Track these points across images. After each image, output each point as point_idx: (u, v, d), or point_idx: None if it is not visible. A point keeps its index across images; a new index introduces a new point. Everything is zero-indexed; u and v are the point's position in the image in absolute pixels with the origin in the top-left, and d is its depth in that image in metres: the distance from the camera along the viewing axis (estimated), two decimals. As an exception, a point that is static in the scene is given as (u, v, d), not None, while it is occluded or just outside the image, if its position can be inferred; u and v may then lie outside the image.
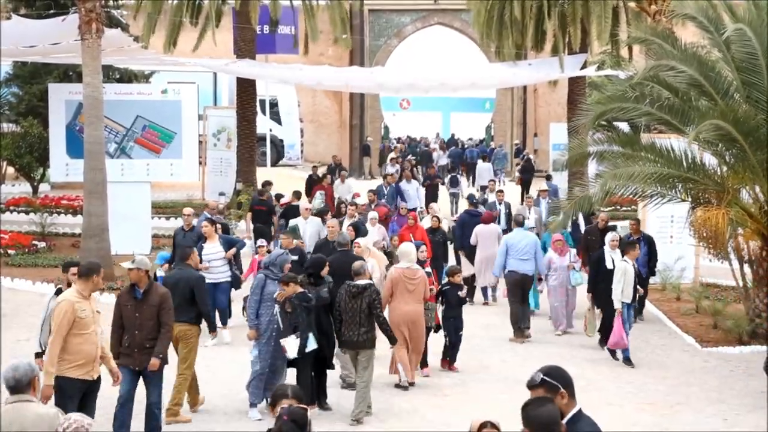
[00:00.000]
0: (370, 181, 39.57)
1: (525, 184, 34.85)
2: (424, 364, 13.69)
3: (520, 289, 15.98)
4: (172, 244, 16.12)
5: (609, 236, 15.65)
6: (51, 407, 6.64)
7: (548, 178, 31.24)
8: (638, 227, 17.15)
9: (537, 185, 28.66)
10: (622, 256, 14.47)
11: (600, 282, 14.78)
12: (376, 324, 11.82)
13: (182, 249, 12.75)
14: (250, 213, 22.18)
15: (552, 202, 20.78)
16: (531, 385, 5.36)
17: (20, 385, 6.46)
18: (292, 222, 18.70)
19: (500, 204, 21.87)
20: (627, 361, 14.18)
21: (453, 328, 13.86)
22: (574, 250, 16.81)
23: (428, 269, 13.98)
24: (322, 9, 29.48)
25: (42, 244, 23.08)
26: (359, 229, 16.44)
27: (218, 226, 16.12)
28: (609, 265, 14.82)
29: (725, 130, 13.83)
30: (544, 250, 17.42)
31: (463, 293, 14.07)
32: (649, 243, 16.75)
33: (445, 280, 14.53)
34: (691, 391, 13.07)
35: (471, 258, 18.45)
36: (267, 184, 24.05)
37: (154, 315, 10.31)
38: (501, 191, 22.91)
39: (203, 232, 15.65)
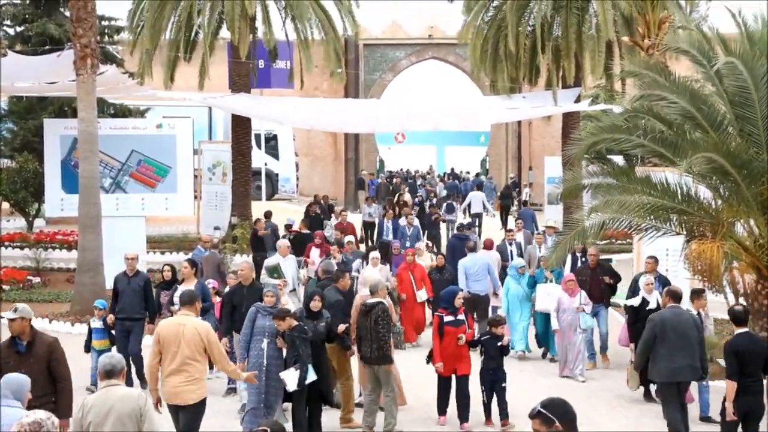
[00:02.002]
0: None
1: (504, 210, 36.72)
2: (442, 412, 13.18)
3: (473, 306, 16.83)
4: (113, 292, 14.86)
5: (643, 279, 14.90)
6: (135, 389, 7.96)
7: (524, 204, 32.03)
8: (655, 265, 15.67)
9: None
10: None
11: (640, 330, 13.33)
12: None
13: (335, 272, 13.84)
14: (252, 243, 23.42)
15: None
16: (530, 416, 5.58)
17: (113, 373, 7.79)
18: (271, 261, 17.48)
19: (510, 244, 20.92)
20: (706, 419, 13.19)
21: (490, 381, 13.04)
22: (584, 292, 16.09)
23: (461, 316, 13.09)
24: (317, 43, 29.62)
25: (37, 280, 23.04)
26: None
27: (200, 267, 15.43)
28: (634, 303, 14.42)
29: (718, 163, 13.85)
30: (535, 282, 17.50)
31: (504, 342, 13.27)
32: (665, 284, 15.00)
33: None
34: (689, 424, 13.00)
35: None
36: (268, 215, 24.71)
37: (43, 368, 9.15)
38: (510, 230, 22.05)
39: (182, 273, 14.71)
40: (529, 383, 15.26)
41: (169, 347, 9.89)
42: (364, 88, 45.70)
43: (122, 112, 31.99)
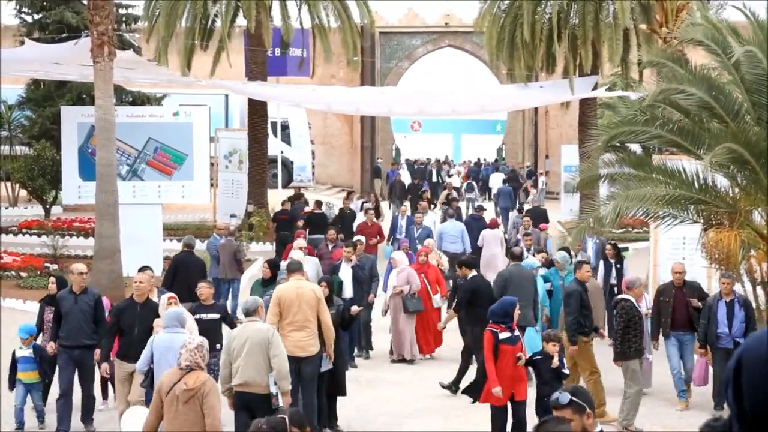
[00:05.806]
0: (381, 203, 39.48)
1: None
2: None
3: (452, 264, 19.62)
4: (55, 314, 12.37)
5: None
6: (266, 324, 10.56)
7: (504, 182, 35.46)
8: (732, 284, 13.77)
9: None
10: None
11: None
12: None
13: None
14: (274, 222, 24.70)
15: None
16: (557, 406, 5.45)
17: (250, 311, 10.35)
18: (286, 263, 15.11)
19: (528, 250, 18.35)
20: None
21: (546, 411, 10.18)
22: (649, 296, 14.66)
23: (517, 332, 11.19)
24: (334, 31, 29.61)
25: (54, 267, 23.11)
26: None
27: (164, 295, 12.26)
28: None
29: (737, 152, 13.81)
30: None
31: (555, 364, 10.91)
32: (747, 307, 13.57)
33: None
34: (704, 414, 12.98)
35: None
36: (299, 197, 26.49)
37: None
38: (528, 234, 20.05)
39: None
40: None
41: (290, 308, 11.34)
42: (380, 76, 45.62)
43: (140, 99, 32.05)
